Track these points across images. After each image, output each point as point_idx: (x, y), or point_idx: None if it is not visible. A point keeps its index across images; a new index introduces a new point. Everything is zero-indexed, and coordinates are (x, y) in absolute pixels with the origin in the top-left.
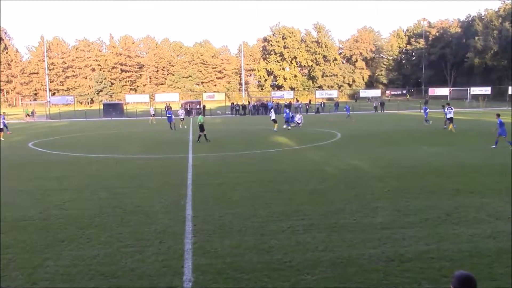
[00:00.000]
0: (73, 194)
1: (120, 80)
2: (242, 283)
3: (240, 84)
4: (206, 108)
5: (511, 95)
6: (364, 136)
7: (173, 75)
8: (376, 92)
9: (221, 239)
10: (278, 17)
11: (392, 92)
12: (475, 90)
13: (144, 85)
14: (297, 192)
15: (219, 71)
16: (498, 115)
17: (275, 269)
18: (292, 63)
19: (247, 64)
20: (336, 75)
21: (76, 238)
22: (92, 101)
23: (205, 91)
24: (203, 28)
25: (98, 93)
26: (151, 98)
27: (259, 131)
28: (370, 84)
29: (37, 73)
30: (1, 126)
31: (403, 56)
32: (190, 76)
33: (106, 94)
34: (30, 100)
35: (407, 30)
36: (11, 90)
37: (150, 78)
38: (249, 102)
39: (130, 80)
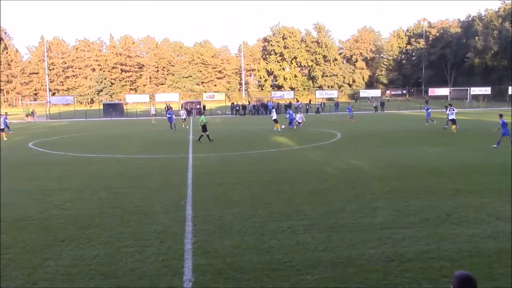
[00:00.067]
0: (73, 194)
1: (120, 80)
2: (242, 283)
3: (240, 84)
4: (206, 108)
5: (511, 95)
6: (364, 136)
7: (173, 75)
8: (376, 92)
9: (221, 239)
10: (278, 17)
11: (392, 92)
12: (475, 90)
13: (144, 85)
14: (297, 192)
15: (219, 71)
16: (501, 115)
17: (275, 269)
18: (292, 63)
19: (247, 64)
20: (336, 75)
21: (76, 238)
22: (92, 101)
23: (205, 91)
24: (203, 28)
25: (98, 93)
26: (151, 98)
27: (259, 131)
28: (370, 84)
29: (37, 73)
30: (2, 126)
31: (403, 56)
32: (190, 76)
33: (106, 94)
34: (30, 100)
35: (407, 30)
36: (11, 90)
37: (150, 78)
38: (249, 102)
39: (130, 80)
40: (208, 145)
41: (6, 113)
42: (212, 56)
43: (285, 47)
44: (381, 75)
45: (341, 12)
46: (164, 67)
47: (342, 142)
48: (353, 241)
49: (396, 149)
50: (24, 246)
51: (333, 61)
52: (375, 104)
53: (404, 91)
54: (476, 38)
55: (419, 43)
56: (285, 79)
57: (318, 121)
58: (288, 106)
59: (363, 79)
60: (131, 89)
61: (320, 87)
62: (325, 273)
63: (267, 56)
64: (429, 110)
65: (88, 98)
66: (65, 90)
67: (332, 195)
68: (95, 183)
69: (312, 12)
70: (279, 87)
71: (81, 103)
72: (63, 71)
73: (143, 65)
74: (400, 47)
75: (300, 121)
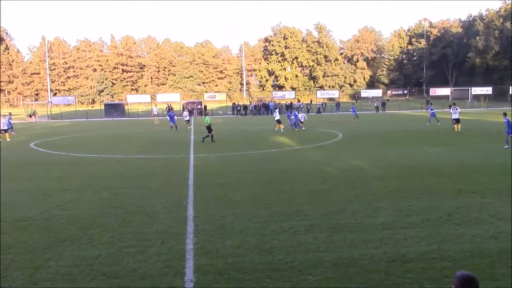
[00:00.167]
0: (74, 195)
1: (122, 80)
2: (243, 284)
3: (241, 84)
4: (207, 108)
5: None
6: (365, 136)
7: (174, 75)
8: (377, 92)
9: (223, 239)
10: (279, 17)
11: (394, 92)
12: (476, 90)
13: (145, 85)
14: (298, 192)
15: (220, 71)
16: (505, 114)
17: (277, 270)
18: (293, 63)
19: (248, 64)
20: (337, 75)
21: (77, 238)
22: (93, 101)
23: (206, 91)
24: (204, 29)
25: (99, 93)
26: (152, 98)
27: (260, 131)
28: (372, 84)
29: (38, 73)
30: (5, 127)
31: (404, 56)
32: (191, 76)
33: (108, 94)
34: (32, 101)
35: (408, 30)
36: (13, 90)
37: (151, 78)
38: (250, 102)
39: (132, 80)
40: (209, 145)
41: (10, 113)
42: (213, 56)
43: (286, 47)
44: (382, 75)
45: (342, 12)
46: (165, 67)
47: (343, 142)
48: (354, 241)
49: (397, 149)
50: (26, 246)
51: (334, 61)
52: (376, 104)
53: (405, 91)
54: (477, 38)
55: (420, 43)
56: (286, 79)
57: (319, 121)
58: (289, 106)
59: (364, 79)
60: (132, 89)
61: (321, 87)
62: (326, 273)
63: (268, 56)
64: (434, 110)
65: (89, 99)
66: (67, 91)
67: (333, 195)
68: (97, 183)
69: (313, 12)
70: (280, 87)
71: (82, 103)
72: (64, 71)
73: (144, 65)
74: (401, 47)
75: (302, 120)
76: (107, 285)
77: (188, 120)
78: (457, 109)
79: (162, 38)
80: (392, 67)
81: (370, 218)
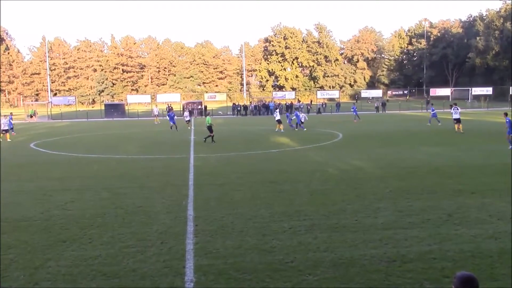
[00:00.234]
0: (74, 195)
1: (122, 81)
2: (244, 284)
3: (242, 84)
4: (207, 108)
5: None
6: (365, 136)
7: (175, 75)
8: (377, 93)
9: (223, 239)
10: (279, 18)
11: (394, 93)
12: (477, 91)
13: (145, 86)
14: (299, 193)
15: (221, 72)
16: (506, 114)
17: (277, 270)
18: (293, 64)
19: (249, 64)
20: (338, 75)
21: (77, 238)
22: (93, 102)
23: (207, 92)
24: (205, 29)
25: (99, 94)
26: (152, 98)
27: (260, 131)
28: (372, 84)
29: (38, 73)
30: (6, 127)
31: (404, 56)
32: (191, 76)
33: (108, 94)
34: (32, 101)
35: (409, 30)
36: (13, 90)
37: (152, 79)
38: (250, 102)
39: (132, 81)
40: (210, 146)
41: (11, 113)
42: (214, 57)
43: (286, 48)
44: (382, 75)
45: (342, 12)
46: (165, 68)
47: (343, 143)
48: (354, 241)
49: (398, 150)
50: (26, 246)
51: (334, 61)
52: (376, 104)
53: (406, 92)
54: (478, 38)
55: (421, 43)
56: (286, 79)
57: (320, 122)
58: (290, 106)
59: (365, 80)
60: (132, 89)
61: (322, 88)
62: (326, 273)
63: (269, 56)
64: (434, 110)
65: (89, 99)
66: (67, 91)
67: (333, 196)
68: (97, 184)
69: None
70: (281, 88)
71: (82, 103)
72: (64, 71)
73: (145, 66)
74: (401, 47)
75: (302, 120)
76: (107, 285)
77: (189, 120)
78: (458, 109)
79: (162, 38)
80: (392, 68)
81: (371, 218)
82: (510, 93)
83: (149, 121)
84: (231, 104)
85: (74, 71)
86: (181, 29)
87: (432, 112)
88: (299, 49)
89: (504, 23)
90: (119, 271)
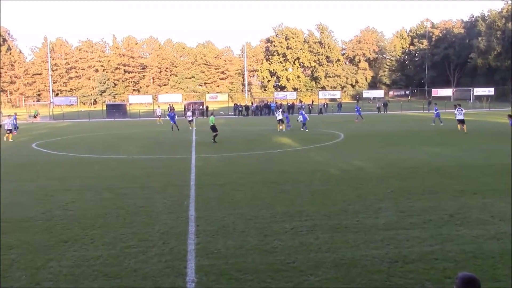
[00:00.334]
0: (76, 195)
1: (123, 81)
2: (245, 284)
3: (243, 85)
4: (209, 109)
5: None
6: (367, 136)
7: (176, 76)
8: (379, 93)
9: (224, 240)
10: (281, 18)
11: (395, 93)
12: (478, 91)
13: (147, 86)
14: (300, 193)
15: (222, 72)
16: (510, 116)
17: (278, 270)
18: (295, 64)
19: (250, 65)
20: (339, 75)
21: (79, 238)
22: (95, 102)
23: (208, 92)
24: (206, 29)
25: (101, 94)
26: (154, 99)
27: (262, 132)
28: (373, 85)
29: (40, 74)
30: (10, 128)
31: (406, 56)
32: (193, 77)
33: (109, 95)
34: (34, 101)
35: (410, 30)
36: (15, 91)
37: (153, 79)
38: (252, 103)
39: (133, 81)
40: (211, 146)
41: (15, 113)
42: (215, 57)
43: (288, 48)
44: (384, 75)
45: (343, 12)
46: (167, 68)
47: (345, 143)
48: (356, 242)
49: (399, 150)
50: (27, 246)
51: (336, 61)
52: (378, 104)
53: (407, 92)
54: (479, 38)
55: (422, 44)
56: (288, 79)
57: (321, 122)
58: (291, 107)
59: (366, 80)
60: (134, 90)
61: (323, 88)
62: (328, 274)
63: (270, 56)
64: (438, 110)
65: (91, 99)
66: (68, 91)
67: (335, 196)
68: (98, 184)
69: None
70: (282, 88)
71: (84, 104)
72: (66, 72)
73: (146, 66)
74: (403, 48)
75: (303, 121)
76: (109, 285)
77: (191, 120)
78: (462, 110)
79: (164, 38)
80: (394, 68)
81: (372, 219)
82: None
83: (151, 122)
84: (232, 105)
85: (76, 72)
86: (182, 29)
87: (435, 112)
88: (300, 49)
89: (506, 23)
90: (120, 272)
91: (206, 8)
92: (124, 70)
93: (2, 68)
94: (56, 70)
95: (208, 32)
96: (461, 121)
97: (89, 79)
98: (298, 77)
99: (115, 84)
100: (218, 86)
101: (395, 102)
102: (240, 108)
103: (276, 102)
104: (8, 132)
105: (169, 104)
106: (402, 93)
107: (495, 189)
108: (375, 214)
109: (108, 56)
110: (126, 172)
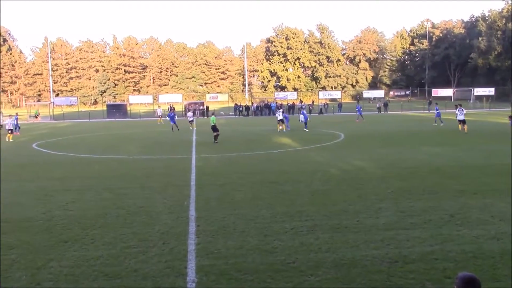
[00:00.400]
0: (76, 195)
1: (124, 81)
2: (245, 284)
3: (244, 85)
4: (209, 109)
5: None
6: (367, 136)
7: (177, 76)
8: (379, 93)
9: (225, 240)
10: (281, 18)
11: (396, 93)
12: (479, 91)
13: (147, 86)
14: (300, 193)
15: (223, 72)
16: (511, 117)
17: (279, 270)
18: (295, 64)
19: (250, 65)
20: (340, 76)
21: (79, 239)
22: (95, 102)
23: (208, 92)
24: (206, 29)
25: (101, 94)
26: (154, 99)
27: (262, 132)
28: (374, 85)
29: (40, 74)
30: (11, 127)
31: (406, 57)
32: (193, 77)
33: (110, 95)
34: (34, 101)
35: (411, 30)
36: (15, 91)
37: (154, 79)
38: (252, 103)
39: (134, 81)
40: (211, 146)
41: (17, 113)
42: (215, 57)
43: (288, 48)
44: (384, 76)
45: (344, 12)
46: (167, 68)
47: (345, 143)
48: (356, 242)
49: (399, 150)
50: (28, 246)
51: (336, 62)
52: (378, 105)
53: (407, 92)
54: (480, 38)
55: (423, 44)
56: (288, 80)
57: (322, 122)
58: (291, 107)
59: (366, 80)
60: (134, 90)
61: (323, 88)
62: (328, 274)
63: (270, 57)
64: (439, 110)
65: (91, 99)
66: (69, 91)
67: (335, 196)
68: (98, 184)
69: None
70: (282, 88)
71: (84, 104)
72: (66, 72)
73: (147, 66)
74: (403, 48)
75: (304, 121)
76: (109, 285)
77: (192, 121)
78: (463, 111)
79: (164, 39)
80: (394, 68)
81: (372, 219)
82: None
83: (151, 122)
84: (233, 105)
85: (76, 72)
86: (183, 29)
87: (436, 112)
88: (301, 49)
89: (507, 23)
90: (121, 272)
91: (206, 8)
92: (125, 70)
93: (3, 68)
94: (57, 70)
95: (208, 32)
96: (462, 121)
97: (90, 79)
98: (299, 77)
99: (115, 84)
100: (218, 86)
101: (395, 102)
102: (241, 108)
103: (276, 102)
104: (9, 132)
105: (170, 104)
106: (403, 93)
107: (495, 189)
108: (375, 214)
109: (108, 56)
110: (126, 172)
